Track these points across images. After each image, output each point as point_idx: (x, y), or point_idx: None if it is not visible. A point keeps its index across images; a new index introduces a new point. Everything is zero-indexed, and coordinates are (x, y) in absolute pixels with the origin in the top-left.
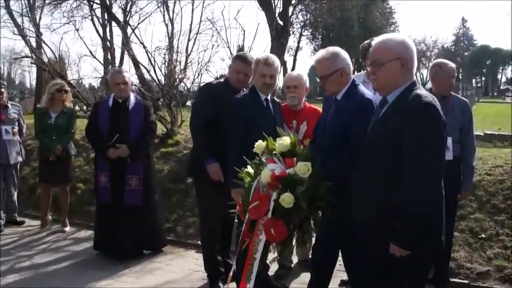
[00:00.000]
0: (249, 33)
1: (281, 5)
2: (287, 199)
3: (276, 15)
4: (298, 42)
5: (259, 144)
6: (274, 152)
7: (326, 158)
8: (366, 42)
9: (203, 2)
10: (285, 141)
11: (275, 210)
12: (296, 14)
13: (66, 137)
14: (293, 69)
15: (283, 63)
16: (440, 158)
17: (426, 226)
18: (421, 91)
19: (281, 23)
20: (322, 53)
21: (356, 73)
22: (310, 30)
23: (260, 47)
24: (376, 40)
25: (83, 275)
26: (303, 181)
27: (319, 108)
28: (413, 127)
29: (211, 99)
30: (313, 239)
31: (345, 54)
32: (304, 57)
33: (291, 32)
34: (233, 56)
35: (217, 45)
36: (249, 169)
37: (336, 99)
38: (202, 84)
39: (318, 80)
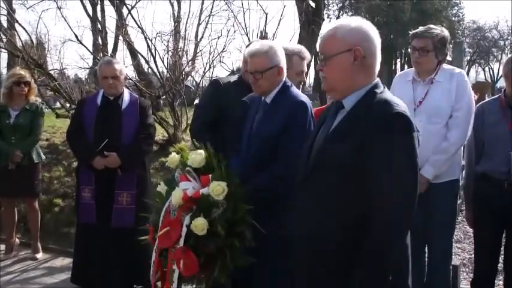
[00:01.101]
0: (272, 17)
1: None
2: (199, 225)
3: None
4: None
5: (173, 158)
6: (187, 168)
7: (253, 171)
8: (419, 29)
9: None
10: (198, 155)
11: (187, 237)
12: None
13: (30, 140)
14: None
15: (315, 55)
16: (414, 194)
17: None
18: (389, 96)
19: (313, 4)
20: (257, 45)
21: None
22: (350, 14)
23: (286, 35)
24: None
25: None
26: (218, 203)
27: None
28: (380, 146)
29: (216, 99)
30: None
31: (283, 50)
32: None
33: (325, 17)
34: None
35: (234, 31)
36: (162, 187)
37: (265, 102)
38: (212, 79)
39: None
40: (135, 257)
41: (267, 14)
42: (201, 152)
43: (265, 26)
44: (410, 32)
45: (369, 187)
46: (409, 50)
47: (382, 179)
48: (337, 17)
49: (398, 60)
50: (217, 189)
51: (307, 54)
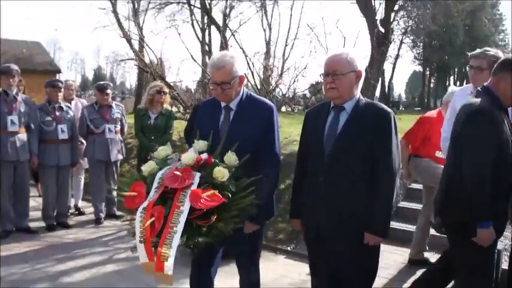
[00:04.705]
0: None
1: (383, 12)
2: (221, 173)
3: (378, 22)
4: (398, 50)
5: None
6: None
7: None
8: (476, 51)
9: (302, 8)
10: (190, 156)
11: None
12: (397, 20)
13: (164, 138)
14: (391, 78)
15: (382, 72)
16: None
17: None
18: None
19: (382, 30)
20: (222, 57)
21: (464, 84)
22: (412, 38)
23: (360, 55)
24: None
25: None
26: (229, 168)
27: None
28: (383, 133)
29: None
30: None
31: (243, 59)
32: (403, 66)
33: (391, 39)
34: None
35: (315, 51)
36: (150, 163)
37: (228, 108)
38: None
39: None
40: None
41: (345, 37)
42: (192, 154)
43: (344, 47)
44: (468, 53)
45: (378, 163)
46: (467, 68)
47: (385, 154)
48: (401, 41)
49: (452, 77)
50: (221, 173)
51: None
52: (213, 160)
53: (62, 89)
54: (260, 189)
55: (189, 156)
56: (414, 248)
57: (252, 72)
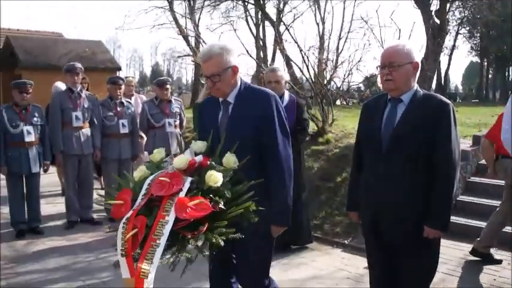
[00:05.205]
0: (404, 32)
1: (438, 3)
2: (214, 177)
3: (432, 13)
4: (454, 41)
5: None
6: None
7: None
8: None
9: (355, 1)
10: (182, 159)
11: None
12: (453, 11)
13: None
14: (448, 70)
15: (438, 64)
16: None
17: None
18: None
19: (437, 21)
20: (209, 48)
21: None
22: (468, 28)
23: (416, 47)
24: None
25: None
26: (227, 171)
27: None
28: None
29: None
30: None
31: (234, 49)
32: (459, 57)
33: (447, 30)
34: None
35: (369, 44)
36: (141, 168)
37: (227, 102)
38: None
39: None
40: (292, 222)
41: (400, 29)
42: (185, 158)
43: (399, 39)
44: None
45: (438, 154)
46: None
47: (445, 145)
48: (457, 31)
49: (511, 68)
50: (213, 178)
51: None
52: (209, 162)
53: (123, 86)
54: (270, 198)
55: (180, 160)
56: (482, 242)
57: (307, 66)
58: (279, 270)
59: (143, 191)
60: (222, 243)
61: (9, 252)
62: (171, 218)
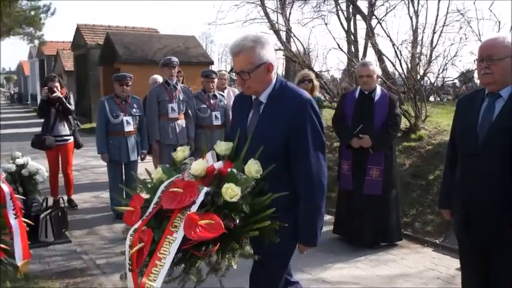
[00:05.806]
0: (504, 24)
1: None
2: (230, 191)
3: None
4: None
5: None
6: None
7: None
8: None
9: None
10: (200, 165)
11: (202, 206)
12: None
13: None
14: None
15: None
16: None
17: None
18: None
19: None
20: (240, 41)
21: None
22: None
23: None
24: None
25: (319, 256)
26: (248, 180)
27: None
28: None
29: None
30: None
31: (270, 43)
32: None
33: None
34: None
35: (466, 38)
36: (158, 170)
37: (259, 102)
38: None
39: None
40: (381, 219)
41: (499, 22)
42: (202, 162)
43: (498, 32)
44: None
45: None
46: None
47: None
48: None
49: None
50: (230, 192)
51: None
52: (229, 170)
53: (215, 79)
54: (297, 214)
55: (197, 166)
56: None
57: (400, 61)
58: (366, 266)
59: (155, 199)
60: (235, 266)
61: (108, 234)
62: (179, 236)
